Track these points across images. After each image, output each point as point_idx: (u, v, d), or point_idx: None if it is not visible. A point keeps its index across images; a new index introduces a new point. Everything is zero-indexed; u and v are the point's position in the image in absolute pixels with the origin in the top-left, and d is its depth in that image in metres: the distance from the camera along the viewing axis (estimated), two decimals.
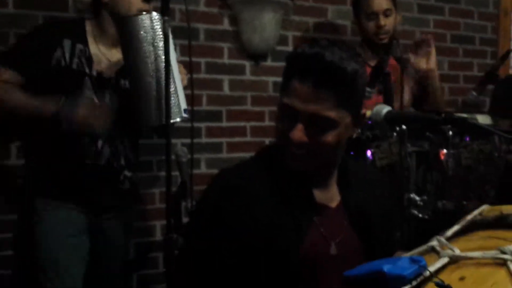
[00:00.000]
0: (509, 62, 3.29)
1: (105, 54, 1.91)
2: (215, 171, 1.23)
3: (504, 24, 3.39)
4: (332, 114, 1.09)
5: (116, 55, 1.92)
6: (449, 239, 1.05)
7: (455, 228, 1.09)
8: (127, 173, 1.98)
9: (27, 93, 1.80)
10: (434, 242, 1.01)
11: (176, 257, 1.43)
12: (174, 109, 1.65)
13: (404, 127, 1.61)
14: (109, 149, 1.91)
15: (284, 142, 1.13)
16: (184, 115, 1.69)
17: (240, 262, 1.12)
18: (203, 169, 2.53)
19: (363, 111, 1.19)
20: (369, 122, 1.48)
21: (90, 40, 1.90)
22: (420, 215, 1.75)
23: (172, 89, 1.63)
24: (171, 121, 1.63)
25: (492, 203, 1.18)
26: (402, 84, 1.94)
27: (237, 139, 2.65)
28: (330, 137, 1.11)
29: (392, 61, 2.28)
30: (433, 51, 2.28)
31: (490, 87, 2.61)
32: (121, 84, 1.92)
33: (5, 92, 1.78)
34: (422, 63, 2.28)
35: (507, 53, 2.60)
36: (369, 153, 1.72)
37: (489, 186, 1.85)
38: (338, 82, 1.09)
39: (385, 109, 1.42)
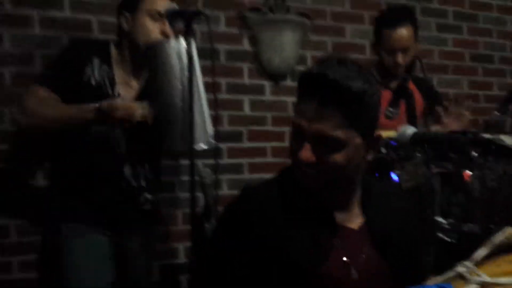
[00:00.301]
0: None
1: (125, 79, 1.94)
2: (236, 192, 1.23)
3: None
4: (338, 133, 1.08)
5: (133, 82, 1.96)
6: (476, 264, 1.03)
7: (482, 252, 1.07)
8: (148, 195, 1.99)
9: (61, 103, 1.82)
10: (461, 268, 1.00)
11: (195, 266, 1.42)
12: (200, 135, 1.66)
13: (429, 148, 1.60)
14: (130, 171, 1.93)
15: (295, 161, 1.14)
16: (211, 141, 1.70)
17: (258, 277, 1.11)
18: (225, 190, 2.53)
19: (378, 132, 1.17)
20: (394, 143, 1.47)
21: (114, 63, 1.93)
22: (446, 238, 1.72)
23: (198, 115, 1.65)
24: (198, 147, 1.65)
25: None
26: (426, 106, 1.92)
27: (258, 160, 2.66)
28: (338, 157, 1.10)
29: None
30: (466, 113, 2.21)
31: None
32: None
33: (44, 106, 1.81)
34: (453, 124, 2.20)
35: None
36: (394, 174, 1.71)
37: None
38: (343, 100, 1.07)
39: (411, 130, 1.41)
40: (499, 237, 1.10)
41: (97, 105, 1.74)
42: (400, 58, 2.27)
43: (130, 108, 1.73)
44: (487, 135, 1.73)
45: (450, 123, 2.22)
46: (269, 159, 2.68)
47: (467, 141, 1.42)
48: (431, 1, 3.11)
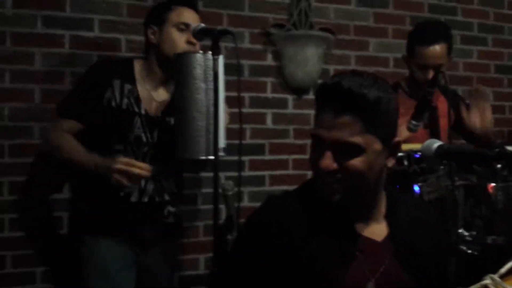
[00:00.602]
0: None
1: (151, 93, 1.99)
2: (258, 204, 1.25)
3: None
4: (357, 139, 1.10)
5: (162, 94, 2.01)
6: (502, 277, 1.03)
7: (509, 265, 1.07)
8: (171, 208, 2.03)
9: (78, 144, 1.91)
10: (487, 281, 1.00)
11: (216, 277, 1.44)
12: (210, 146, 1.69)
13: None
14: (153, 186, 1.97)
15: (316, 171, 1.15)
16: (221, 153, 1.72)
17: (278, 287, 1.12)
18: (246, 202, 2.56)
19: (397, 139, 1.19)
20: (417, 155, 1.48)
21: (138, 79, 1.98)
22: (470, 251, 1.71)
23: (211, 127, 1.69)
24: (203, 157, 1.70)
25: None
26: (449, 115, 1.90)
27: (279, 172, 2.68)
28: (358, 162, 1.11)
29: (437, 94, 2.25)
30: (488, 105, 2.16)
31: None
32: (167, 122, 1.98)
33: (62, 144, 1.93)
34: (476, 121, 2.17)
35: None
36: (416, 187, 1.71)
37: None
38: (359, 107, 1.10)
39: (436, 143, 1.41)
40: None
41: (97, 160, 1.84)
42: (431, 75, 2.22)
43: (129, 169, 1.79)
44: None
45: (474, 119, 2.19)
46: (291, 171, 2.70)
47: (493, 155, 1.41)
48: (456, 14, 3.10)
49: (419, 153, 1.41)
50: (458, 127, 2.35)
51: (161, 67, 1.98)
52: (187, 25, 1.94)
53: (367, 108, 1.10)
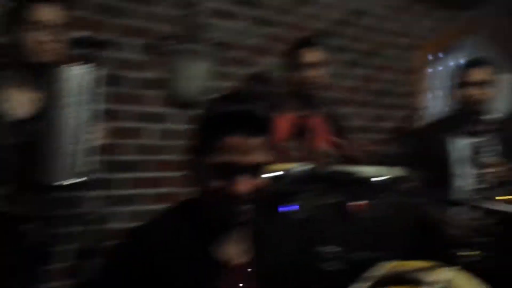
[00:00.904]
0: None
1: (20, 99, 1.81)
2: (127, 225, 1.22)
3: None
4: (269, 158, 1.15)
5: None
6: None
7: (363, 286, 1.15)
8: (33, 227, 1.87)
9: None
10: None
11: None
12: (66, 170, 1.62)
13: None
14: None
15: (228, 198, 1.14)
16: (77, 179, 1.65)
17: None
18: (114, 223, 2.33)
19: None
20: (285, 175, 1.53)
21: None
22: (335, 268, 1.80)
23: (70, 149, 1.62)
24: (58, 183, 1.62)
25: (405, 255, 1.25)
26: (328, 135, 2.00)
27: (150, 191, 2.59)
28: (266, 180, 1.16)
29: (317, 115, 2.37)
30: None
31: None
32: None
33: None
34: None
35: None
36: (287, 207, 1.78)
37: (401, 238, 1.94)
38: (267, 128, 1.16)
39: (304, 166, 1.48)
40: (380, 271, 1.17)
41: None
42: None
43: None
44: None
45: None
46: (174, 189, 2.62)
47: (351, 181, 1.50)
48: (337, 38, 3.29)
49: (289, 174, 1.47)
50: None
51: (24, 74, 1.80)
52: (49, 24, 1.76)
53: (270, 127, 1.16)
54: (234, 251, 1.22)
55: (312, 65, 2.42)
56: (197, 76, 2.67)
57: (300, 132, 2.17)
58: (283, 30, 3.03)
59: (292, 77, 2.48)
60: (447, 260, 2.34)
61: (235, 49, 2.87)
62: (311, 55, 2.43)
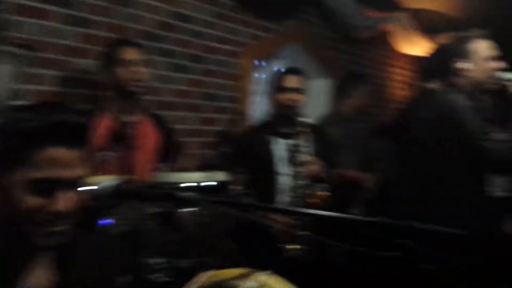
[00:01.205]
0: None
1: None
2: None
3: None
4: (83, 171, 1.07)
5: None
6: None
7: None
8: None
9: None
10: None
11: None
12: None
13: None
14: None
15: (44, 217, 1.02)
16: None
17: None
18: None
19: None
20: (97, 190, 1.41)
21: None
22: (163, 279, 1.75)
23: None
24: None
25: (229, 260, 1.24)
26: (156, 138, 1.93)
27: None
28: (82, 197, 1.08)
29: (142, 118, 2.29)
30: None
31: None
32: None
33: None
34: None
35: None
36: (105, 221, 1.66)
37: (224, 244, 1.96)
38: (83, 139, 1.08)
39: (114, 181, 1.36)
40: (197, 282, 1.16)
41: None
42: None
43: None
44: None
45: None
46: None
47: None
48: (163, 41, 3.23)
49: (99, 189, 1.35)
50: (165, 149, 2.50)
51: None
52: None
53: (88, 137, 1.08)
54: (41, 279, 1.10)
55: (131, 62, 2.39)
56: (1, 78, 2.37)
57: (119, 138, 2.05)
58: (101, 30, 2.87)
59: (111, 75, 2.40)
60: (275, 254, 2.53)
61: (46, 50, 2.63)
62: (129, 53, 2.42)
